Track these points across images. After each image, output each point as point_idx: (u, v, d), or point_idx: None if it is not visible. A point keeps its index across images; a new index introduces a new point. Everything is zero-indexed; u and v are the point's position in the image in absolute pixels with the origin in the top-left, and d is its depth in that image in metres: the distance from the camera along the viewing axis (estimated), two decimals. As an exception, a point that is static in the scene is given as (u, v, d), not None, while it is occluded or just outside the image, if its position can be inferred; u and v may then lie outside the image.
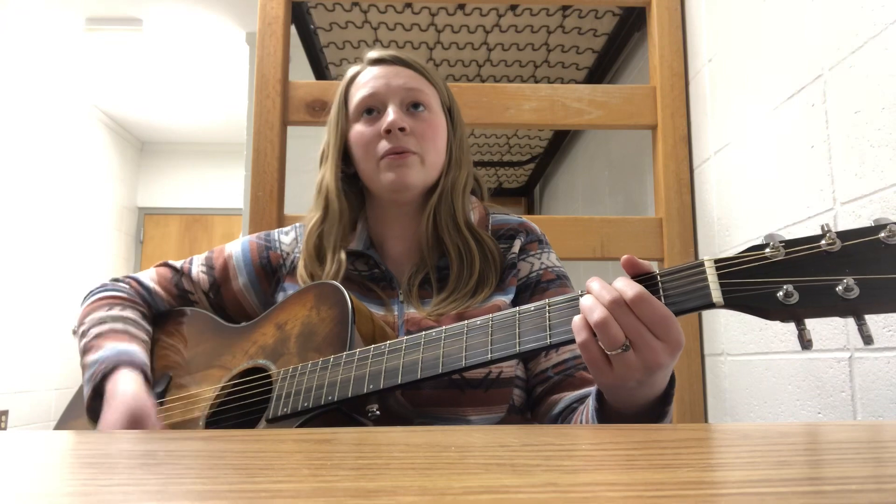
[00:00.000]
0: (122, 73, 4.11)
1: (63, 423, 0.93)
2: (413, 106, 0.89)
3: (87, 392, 0.82)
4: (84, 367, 0.85)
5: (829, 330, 0.92)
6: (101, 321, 0.88)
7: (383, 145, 0.86)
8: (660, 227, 1.37)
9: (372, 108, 0.89)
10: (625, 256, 0.59)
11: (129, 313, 0.90)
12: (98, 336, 0.86)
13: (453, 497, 0.26)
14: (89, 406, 0.82)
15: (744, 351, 1.17)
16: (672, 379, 0.62)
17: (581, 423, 0.71)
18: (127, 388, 0.79)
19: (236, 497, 0.27)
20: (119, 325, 0.88)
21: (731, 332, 1.23)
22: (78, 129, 4.52)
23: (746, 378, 1.16)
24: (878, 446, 0.42)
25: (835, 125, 0.92)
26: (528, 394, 0.85)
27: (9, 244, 3.79)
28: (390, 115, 0.86)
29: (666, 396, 0.62)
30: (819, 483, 0.30)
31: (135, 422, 0.76)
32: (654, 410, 0.62)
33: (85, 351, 0.86)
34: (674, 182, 1.39)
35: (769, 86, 1.10)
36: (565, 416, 0.78)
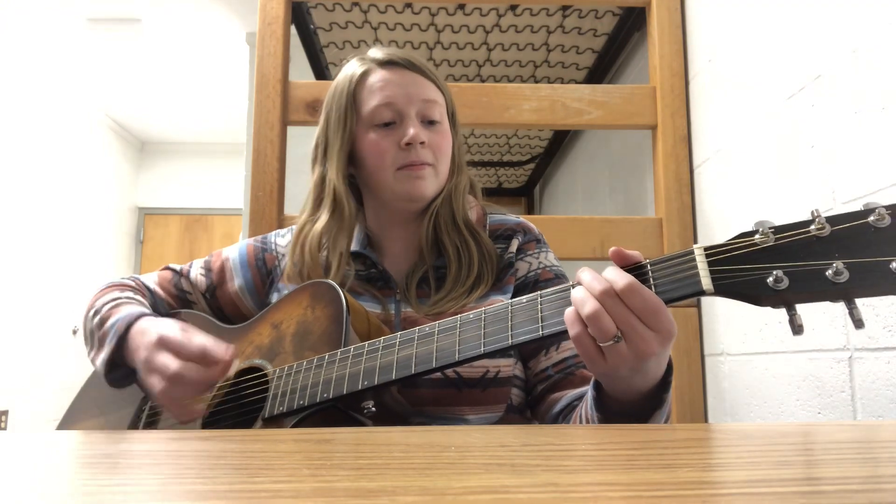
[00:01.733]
0: (122, 73, 4.11)
1: (65, 424, 0.93)
2: (430, 121, 0.89)
3: (107, 352, 0.80)
4: (103, 335, 0.83)
5: (829, 330, 0.92)
6: (115, 299, 0.88)
7: (401, 156, 0.86)
8: (660, 227, 1.37)
9: (389, 118, 0.87)
10: (613, 248, 0.59)
11: (139, 297, 0.91)
12: (114, 307, 0.85)
13: (453, 497, 0.26)
14: (111, 361, 0.80)
15: (744, 351, 1.17)
16: (670, 366, 0.62)
17: (581, 416, 0.71)
18: (155, 323, 0.78)
19: (236, 497, 0.27)
20: (133, 300, 0.89)
21: (731, 332, 1.23)
22: (78, 129, 4.52)
23: (746, 378, 1.16)
24: (878, 446, 0.42)
25: (835, 125, 0.92)
26: (528, 393, 0.85)
27: (9, 244, 3.79)
28: (410, 129, 0.85)
29: (664, 384, 0.62)
30: (819, 483, 0.30)
31: (176, 335, 0.73)
32: (653, 398, 0.62)
33: (101, 322, 0.84)
34: (674, 182, 1.39)
35: (769, 86, 1.10)
36: (566, 415, 0.78)
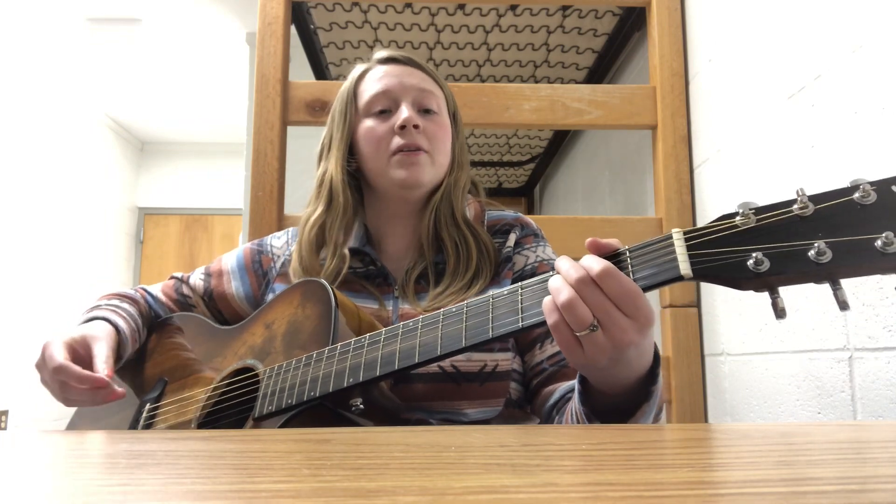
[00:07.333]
0: (123, 73, 4.11)
1: (73, 426, 0.95)
2: (425, 110, 0.91)
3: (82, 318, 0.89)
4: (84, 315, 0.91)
5: (829, 330, 0.92)
6: (97, 306, 0.93)
7: (396, 141, 0.88)
8: (660, 228, 1.37)
9: (385, 105, 0.90)
10: (589, 239, 0.58)
11: (127, 306, 0.94)
12: (93, 310, 0.92)
13: (453, 497, 0.26)
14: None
15: (744, 351, 1.17)
16: (657, 358, 0.61)
17: (570, 410, 0.70)
18: (88, 326, 0.84)
19: (236, 497, 0.27)
20: (116, 308, 0.93)
21: (731, 332, 1.23)
22: (78, 129, 4.52)
23: (746, 378, 1.16)
24: (878, 446, 0.42)
25: (835, 125, 0.92)
26: (525, 387, 0.85)
27: (9, 244, 3.79)
28: (405, 111, 0.87)
29: (651, 376, 0.61)
30: (819, 483, 0.30)
31: (75, 342, 0.80)
32: (639, 392, 0.61)
33: (87, 313, 0.92)
34: (674, 182, 1.39)
35: (769, 86, 1.10)
36: (560, 407, 0.78)
